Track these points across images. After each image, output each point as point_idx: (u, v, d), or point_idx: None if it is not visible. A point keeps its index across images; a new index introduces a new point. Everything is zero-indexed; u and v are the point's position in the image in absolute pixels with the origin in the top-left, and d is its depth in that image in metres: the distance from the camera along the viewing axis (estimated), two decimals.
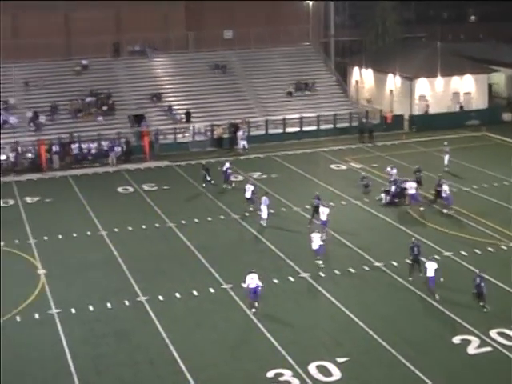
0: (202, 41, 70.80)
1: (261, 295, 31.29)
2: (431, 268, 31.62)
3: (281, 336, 28.60)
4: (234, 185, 48.09)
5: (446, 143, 52.16)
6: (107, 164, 55.25)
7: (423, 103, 65.40)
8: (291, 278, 34.00)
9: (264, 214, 40.91)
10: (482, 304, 30.49)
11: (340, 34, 75.80)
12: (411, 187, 42.63)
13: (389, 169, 46.22)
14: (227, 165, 48.36)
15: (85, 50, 66.08)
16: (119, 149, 56.64)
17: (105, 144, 56.80)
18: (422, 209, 42.26)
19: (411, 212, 42.24)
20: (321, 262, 35.08)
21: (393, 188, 43.73)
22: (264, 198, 41.08)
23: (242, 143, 58.44)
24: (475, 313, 30.09)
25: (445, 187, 42.32)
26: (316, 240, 34.99)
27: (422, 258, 33.28)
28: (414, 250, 33.35)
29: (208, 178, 47.97)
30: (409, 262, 33.81)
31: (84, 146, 56.71)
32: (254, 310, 30.92)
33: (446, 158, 50.85)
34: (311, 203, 40.55)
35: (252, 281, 30.76)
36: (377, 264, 35.24)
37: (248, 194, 42.94)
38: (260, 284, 31.01)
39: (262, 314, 30.47)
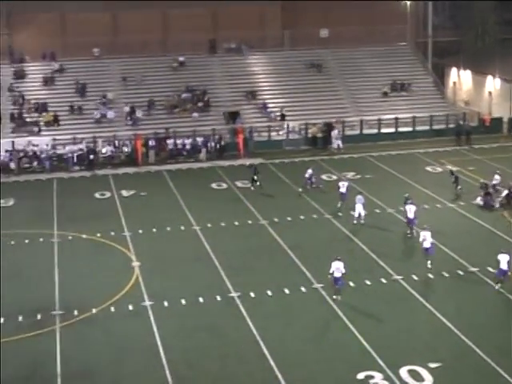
0: (297, 39, 70.72)
1: (353, 297, 31.05)
2: (504, 260, 31.58)
3: (372, 338, 28.22)
4: (321, 186, 47.60)
5: None
6: (200, 160, 55.82)
7: None
8: (383, 280, 33.58)
9: (356, 212, 40.70)
10: None
11: (438, 35, 74.44)
12: None
13: (496, 176, 45.07)
14: (310, 171, 47.41)
15: (181, 47, 66.95)
16: (212, 145, 57.14)
17: (199, 140, 57.38)
18: None
19: (506, 216, 41.28)
20: (429, 262, 34.54)
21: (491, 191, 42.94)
22: (359, 197, 40.86)
23: (337, 143, 58.15)
24: None
25: None
26: (428, 238, 34.51)
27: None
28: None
29: (255, 178, 47.67)
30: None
31: (179, 141, 57.47)
32: (335, 297, 31.21)
33: None
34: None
35: (337, 270, 31.15)
36: (472, 269, 34.48)
37: (343, 190, 42.87)
38: (343, 271, 31.29)
39: (353, 315, 30.17)
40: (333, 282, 31.57)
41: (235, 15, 70.70)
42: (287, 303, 31.67)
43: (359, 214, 40.73)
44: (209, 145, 56.96)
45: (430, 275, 33.93)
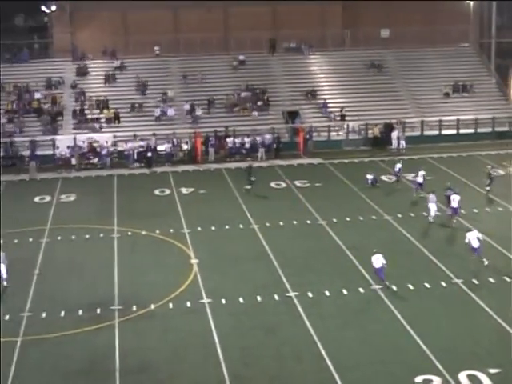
0: (358, 39, 70.42)
1: (412, 299, 30.86)
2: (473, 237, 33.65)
3: (430, 341, 27.83)
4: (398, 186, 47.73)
5: None
6: (258, 159, 55.91)
7: None
8: (443, 283, 33.16)
9: (432, 211, 40.83)
10: None
11: (502, 35, 73.36)
12: None
13: None
14: (399, 165, 48.24)
15: (242, 46, 67.20)
16: (271, 144, 57.15)
17: (258, 139, 57.44)
18: None
19: None
20: (485, 260, 34.25)
21: None
22: (431, 196, 40.90)
23: (401, 143, 57.70)
24: None
25: None
26: (473, 237, 34.22)
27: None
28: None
29: (251, 178, 47.71)
30: None
31: (237, 140, 57.60)
32: (378, 286, 31.66)
33: None
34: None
35: (377, 261, 32.04)
36: None
37: (420, 179, 43.89)
38: (384, 262, 31.95)
39: (412, 318, 29.85)
40: (376, 273, 32.44)
41: (296, 14, 70.68)
42: (345, 304, 31.48)
43: (434, 213, 40.93)
44: (265, 144, 56.98)
45: (491, 279, 33.39)
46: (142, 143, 56.44)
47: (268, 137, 57.73)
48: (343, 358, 27.03)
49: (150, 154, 55.21)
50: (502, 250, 36.55)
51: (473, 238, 34.37)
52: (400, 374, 26.04)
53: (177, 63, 67.65)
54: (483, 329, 29.16)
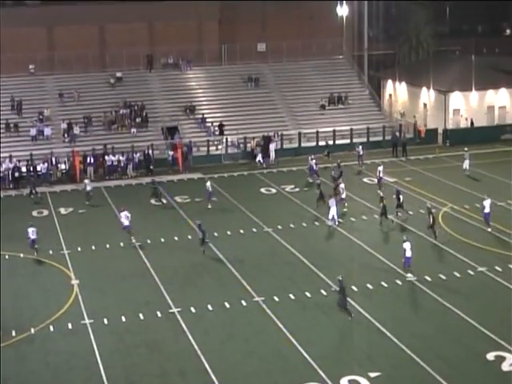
0: (235, 53, 71.09)
1: (294, 310, 31.20)
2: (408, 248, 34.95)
3: (312, 349, 28.41)
4: (318, 181, 48.40)
5: (466, 149, 53.38)
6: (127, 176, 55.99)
7: (459, 117, 65.20)
8: (323, 292, 33.78)
9: (330, 215, 42.43)
10: None
11: (373, 48, 75.68)
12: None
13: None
14: (314, 161, 51.80)
15: (119, 62, 66.78)
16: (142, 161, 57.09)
17: (122, 157, 56.90)
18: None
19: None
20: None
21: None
22: (331, 200, 42.70)
23: (272, 155, 58.51)
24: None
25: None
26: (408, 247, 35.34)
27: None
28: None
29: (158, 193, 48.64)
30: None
31: (114, 158, 56.77)
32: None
33: (466, 162, 52.49)
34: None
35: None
36: (409, 278, 34.94)
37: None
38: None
39: (293, 327, 30.32)
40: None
41: (172, 30, 70.85)
42: (228, 317, 31.67)
43: (333, 217, 42.34)
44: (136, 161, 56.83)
45: (369, 285, 34.29)
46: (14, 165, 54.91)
47: (137, 154, 57.23)
48: (228, 370, 27.27)
49: (17, 175, 53.91)
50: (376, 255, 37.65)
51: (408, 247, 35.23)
52: (284, 382, 26.42)
53: (52, 81, 66.54)
54: (363, 335, 29.87)
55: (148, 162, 56.72)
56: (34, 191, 50.98)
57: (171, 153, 58.19)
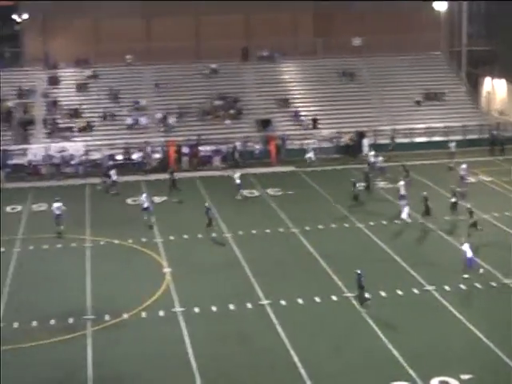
0: (330, 47, 70.67)
1: (384, 306, 30.93)
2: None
3: (403, 348, 27.98)
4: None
5: None
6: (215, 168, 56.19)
7: None
8: (415, 290, 33.29)
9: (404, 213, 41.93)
10: None
11: (472, 44, 74.09)
12: None
13: None
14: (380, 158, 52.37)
15: (214, 54, 67.17)
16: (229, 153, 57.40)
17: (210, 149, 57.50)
18: None
19: None
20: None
21: None
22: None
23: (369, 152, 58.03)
24: None
25: None
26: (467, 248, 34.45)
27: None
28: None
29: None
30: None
31: (208, 148, 57.50)
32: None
33: None
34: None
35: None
36: (505, 281, 34.13)
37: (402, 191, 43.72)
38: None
39: (384, 324, 29.98)
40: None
41: (267, 23, 70.87)
42: (318, 312, 31.52)
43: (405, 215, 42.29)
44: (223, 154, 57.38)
45: (463, 286, 33.63)
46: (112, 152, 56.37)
47: (223, 146, 57.71)
48: (317, 366, 27.06)
49: (111, 163, 55.05)
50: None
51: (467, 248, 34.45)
52: (372, 381, 26.15)
53: (149, 72, 67.55)
54: (456, 336, 29.31)
55: (236, 154, 57.01)
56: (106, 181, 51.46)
57: (258, 146, 58.38)
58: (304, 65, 69.82)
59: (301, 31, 72.45)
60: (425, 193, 42.44)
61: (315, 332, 29.72)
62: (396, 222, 42.34)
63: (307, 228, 41.76)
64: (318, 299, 32.48)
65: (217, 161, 56.84)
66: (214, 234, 41.10)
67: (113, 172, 50.96)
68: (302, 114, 63.84)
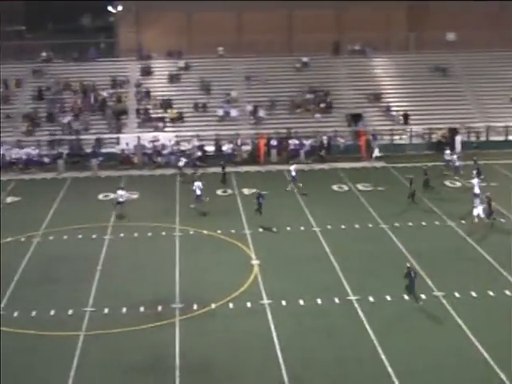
0: (423, 42, 69.66)
1: (474, 307, 30.41)
2: None
3: (492, 351, 27.34)
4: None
5: None
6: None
7: None
8: (507, 292, 32.57)
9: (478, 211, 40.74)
10: None
11: None
12: None
13: None
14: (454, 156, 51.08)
15: (305, 48, 66.96)
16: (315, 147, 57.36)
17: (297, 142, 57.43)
18: None
19: None
20: None
21: None
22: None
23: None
24: None
25: None
26: None
27: None
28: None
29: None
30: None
31: (297, 142, 57.49)
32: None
33: None
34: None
35: None
36: None
37: (476, 190, 42.76)
38: None
39: (473, 326, 29.36)
40: None
41: (360, 17, 70.32)
42: (406, 309, 31.13)
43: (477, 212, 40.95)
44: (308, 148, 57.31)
45: None
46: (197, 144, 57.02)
47: (308, 141, 57.52)
48: (404, 364, 26.74)
49: (199, 154, 55.87)
50: None
51: None
52: (460, 380, 25.68)
53: (240, 64, 67.80)
54: None
55: (321, 148, 56.74)
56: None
57: (342, 140, 58.20)
58: (396, 59, 68.99)
59: (394, 25, 71.53)
60: (488, 193, 41.55)
61: (403, 330, 29.37)
62: (487, 221, 41.37)
63: (396, 224, 41.33)
64: (406, 297, 32.07)
65: (301, 155, 56.66)
66: (302, 228, 41.02)
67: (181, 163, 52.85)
68: (393, 109, 63.09)
